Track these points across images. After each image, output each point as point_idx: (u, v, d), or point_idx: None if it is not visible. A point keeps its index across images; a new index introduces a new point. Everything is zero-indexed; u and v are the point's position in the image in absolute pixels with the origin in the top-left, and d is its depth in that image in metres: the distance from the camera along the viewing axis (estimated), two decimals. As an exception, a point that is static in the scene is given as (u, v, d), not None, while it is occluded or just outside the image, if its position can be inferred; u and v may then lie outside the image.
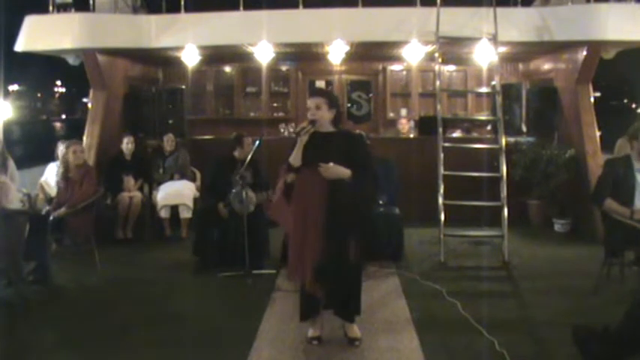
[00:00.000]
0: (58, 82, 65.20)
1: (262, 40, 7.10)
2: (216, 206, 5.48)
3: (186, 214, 6.77)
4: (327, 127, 3.58)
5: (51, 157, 6.82)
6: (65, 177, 5.61)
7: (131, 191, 6.75)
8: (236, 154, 5.69)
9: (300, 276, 3.60)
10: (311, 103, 3.59)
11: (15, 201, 5.06)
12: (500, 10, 6.55)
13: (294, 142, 3.57)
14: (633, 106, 39.22)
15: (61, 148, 6.08)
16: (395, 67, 9.14)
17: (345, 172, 3.47)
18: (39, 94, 64.59)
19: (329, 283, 3.56)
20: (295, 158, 3.54)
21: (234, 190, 5.31)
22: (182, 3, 7.18)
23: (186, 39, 7.11)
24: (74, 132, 7.26)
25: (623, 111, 33.94)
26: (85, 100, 7.63)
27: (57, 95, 67.84)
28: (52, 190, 6.19)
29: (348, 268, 3.60)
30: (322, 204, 3.49)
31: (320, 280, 3.52)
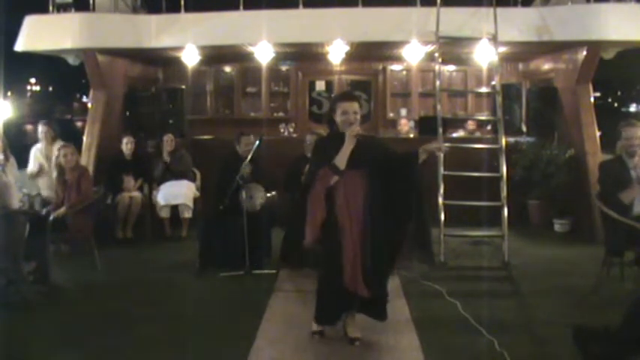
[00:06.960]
0: (32, 80, 58.87)
1: (262, 40, 7.10)
2: (226, 207, 5.34)
3: (186, 214, 6.77)
4: (357, 130, 3.60)
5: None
6: (62, 180, 5.61)
7: (131, 191, 6.74)
8: (238, 150, 5.72)
9: (354, 280, 3.54)
10: (349, 107, 3.61)
11: (15, 201, 5.07)
12: (500, 10, 6.55)
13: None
14: (633, 106, 39.25)
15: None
16: (395, 67, 9.13)
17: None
18: (8, 93, 60.06)
19: (375, 283, 3.57)
20: (342, 161, 3.53)
21: (243, 189, 5.30)
22: (182, 3, 7.17)
23: (186, 39, 7.10)
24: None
25: (611, 111, 33.95)
26: (84, 99, 7.64)
27: (29, 94, 59.67)
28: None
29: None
30: (364, 205, 3.55)
31: (369, 280, 3.53)
